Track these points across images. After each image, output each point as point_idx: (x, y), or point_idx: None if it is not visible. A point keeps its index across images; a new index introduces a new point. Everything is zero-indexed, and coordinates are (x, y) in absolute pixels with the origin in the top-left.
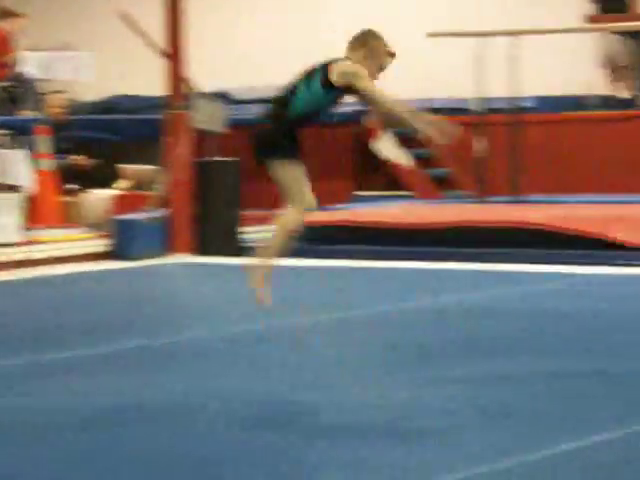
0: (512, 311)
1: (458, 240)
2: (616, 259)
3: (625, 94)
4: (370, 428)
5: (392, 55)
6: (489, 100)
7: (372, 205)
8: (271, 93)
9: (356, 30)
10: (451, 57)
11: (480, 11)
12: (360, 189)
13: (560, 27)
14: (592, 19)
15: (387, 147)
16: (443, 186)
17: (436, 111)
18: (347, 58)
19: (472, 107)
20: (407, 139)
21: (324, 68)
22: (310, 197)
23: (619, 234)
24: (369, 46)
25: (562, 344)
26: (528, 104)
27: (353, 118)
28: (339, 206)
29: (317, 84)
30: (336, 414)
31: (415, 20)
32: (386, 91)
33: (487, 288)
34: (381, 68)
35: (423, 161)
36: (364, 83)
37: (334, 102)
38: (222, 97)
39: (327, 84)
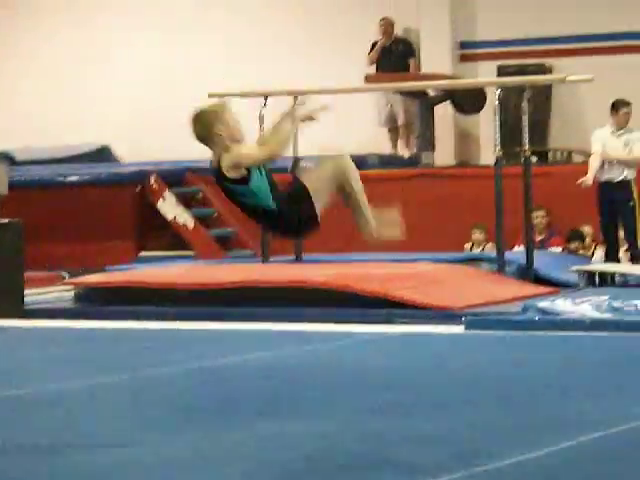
0: (283, 371)
1: (239, 300)
2: (396, 317)
3: (405, 153)
4: None
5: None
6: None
7: (154, 266)
8: (52, 154)
9: (139, 91)
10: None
11: (265, 71)
12: (145, 249)
13: (341, 87)
14: (369, 79)
15: (169, 206)
16: (227, 246)
17: None
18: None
19: None
20: (187, 199)
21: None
22: None
23: (399, 292)
24: (218, 120)
25: (326, 404)
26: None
27: (137, 177)
28: (120, 267)
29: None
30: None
31: (196, 80)
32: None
33: (264, 348)
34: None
35: (206, 221)
36: (251, 158)
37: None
38: (3, 158)
39: (232, 182)
